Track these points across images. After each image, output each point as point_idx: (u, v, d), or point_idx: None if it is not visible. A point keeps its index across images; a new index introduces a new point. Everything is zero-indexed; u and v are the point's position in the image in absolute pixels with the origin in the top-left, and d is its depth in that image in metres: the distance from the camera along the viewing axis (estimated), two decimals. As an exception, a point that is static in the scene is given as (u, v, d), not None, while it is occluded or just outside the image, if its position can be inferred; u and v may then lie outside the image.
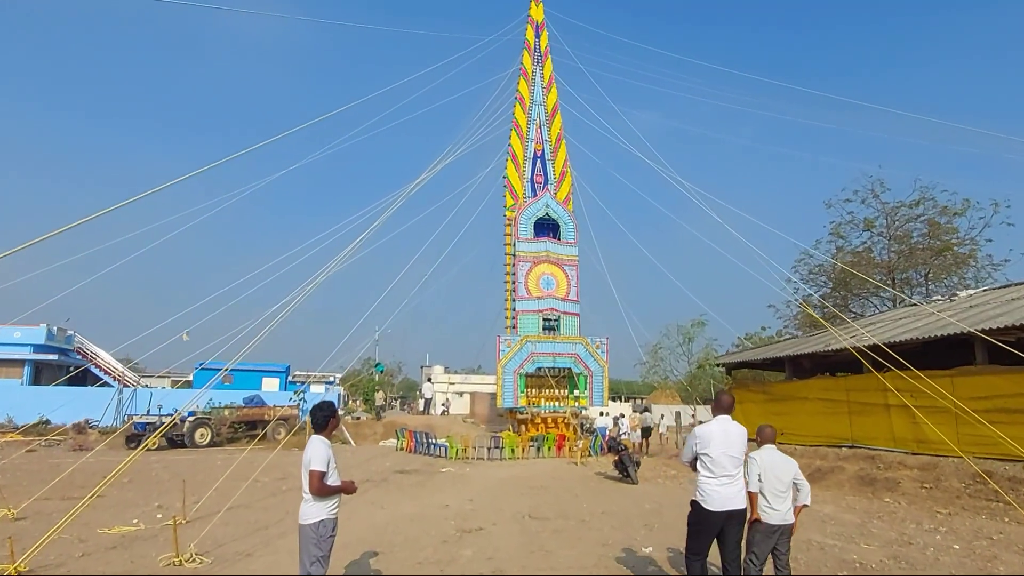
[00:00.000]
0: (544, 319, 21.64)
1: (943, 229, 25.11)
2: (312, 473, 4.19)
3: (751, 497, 4.76)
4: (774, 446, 5.10)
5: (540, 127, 24.07)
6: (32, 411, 23.01)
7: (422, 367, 45.91)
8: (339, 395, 33.08)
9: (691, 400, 32.22)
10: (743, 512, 4.68)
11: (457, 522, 8.71)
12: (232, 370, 23.41)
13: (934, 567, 6.63)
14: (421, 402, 33.57)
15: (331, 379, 35.54)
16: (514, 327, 21.80)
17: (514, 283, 22.03)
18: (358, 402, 37.58)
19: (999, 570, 6.55)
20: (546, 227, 22.84)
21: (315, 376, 33.98)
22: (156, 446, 19.19)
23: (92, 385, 27.45)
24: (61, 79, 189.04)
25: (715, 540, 4.74)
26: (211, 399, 22.80)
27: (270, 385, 31.40)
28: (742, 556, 4.79)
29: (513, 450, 18.07)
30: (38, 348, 29.22)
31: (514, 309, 21.96)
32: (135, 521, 8.51)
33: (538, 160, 23.78)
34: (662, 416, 25.50)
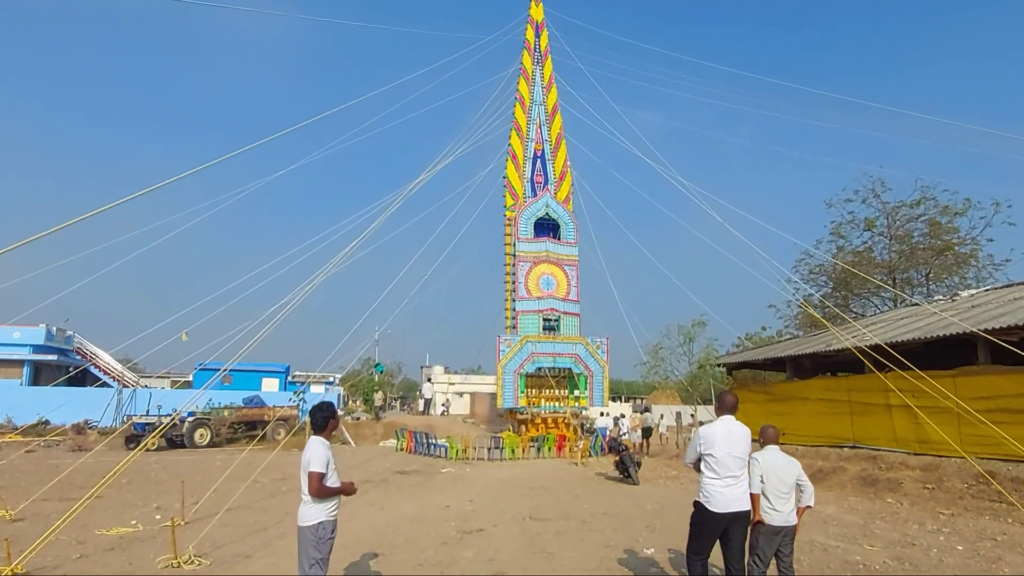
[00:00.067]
0: (544, 319, 21.60)
1: (944, 229, 25.07)
2: (311, 474, 4.14)
3: (753, 499, 4.72)
4: (777, 447, 5.05)
5: (540, 127, 24.03)
6: (31, 411, 22.94)
7: (422, 367, 45.89)
8: (339, 395, 33.03)
9: (691, 400, 32.18)
10: (747, 514, 4.64)
11: (458, 523, 8.66)
12: (232, 370, 23.43)
13: (938, 568, 6.59)
14: (421, 402, 33.53)
15: (331, 379, 35.50)
16: (514, 327, 21.75)
17: (514, 283, 21.98)
18: (358, 402, 37.54)
19: (1003, 571, 6.51)
20: (546, 227, 22.80)
21: (315, 376, 33.94)
22: (155, 447, 19.16)
23: (91, 385, 27.41)
24: (61, 79, 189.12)
25: (717, 541, 4.69)
26: (211, 399, 22.76)
27: (270, 385, 31.37)
28: (746, 558, 4.75)
29: (513, 451, 18.02)
30: (37, 348, 29.18)
31: (514, 309, 21.92)
32: (134, 522, 8.46)
33: (538, 160, 23.74)
34: (661, 416, 25.43)
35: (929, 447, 11.80)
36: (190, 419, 20.67)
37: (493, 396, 23.89)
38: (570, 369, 21.65)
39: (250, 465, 12.23)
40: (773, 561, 4.85)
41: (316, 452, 4.19)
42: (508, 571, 6.32)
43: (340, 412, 26.06)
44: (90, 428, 23.54)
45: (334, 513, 4.28)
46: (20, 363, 28.89)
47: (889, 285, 25.40)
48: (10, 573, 5.76)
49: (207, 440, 20.75)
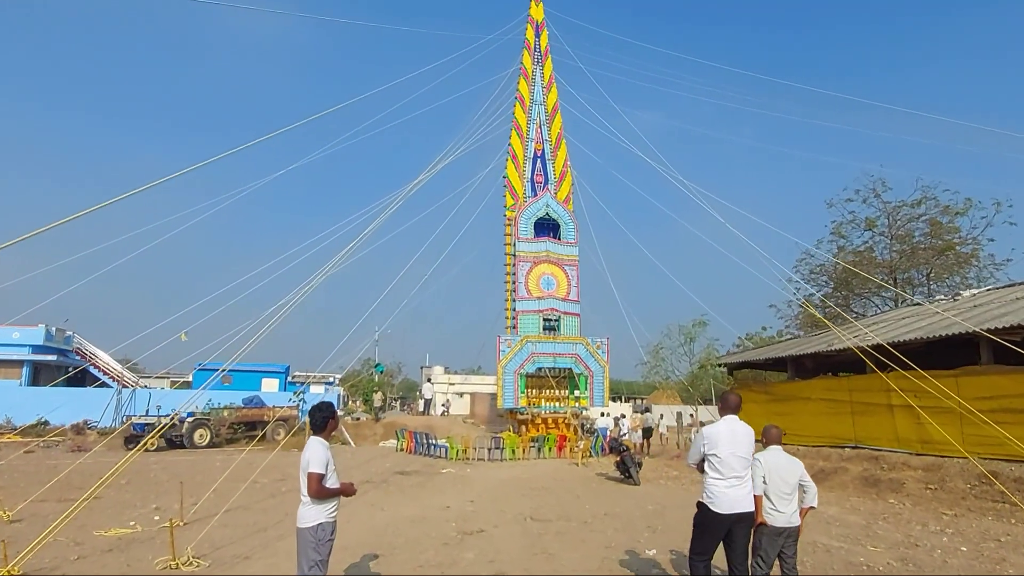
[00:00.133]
0: (544, 319, 21.56)
1: (945, 229, 25.04)
2: (310, 475, 4.09)
3: (756, 500, 4.67)
4: (780, 447, 5.00)
5: (540, 127, 24.00)
6: (31, 412, 22.91)
7: (422, 367, 45.84)
8: (339, 396, 32.97)
9: (691, 400, 32.14)
10: (751, 515, 4.59)
11: (458, 524, 8.61)
12: (231, 371, 23.38)
13: (942, 570, 6.54)
14: (421, 403, 33.48)
15: (331, 380, 35.45)
16: (514, 327, 21.71)
17: (514, 283, 21.95)
18: (358, 403, 37.49)
19: (1008, 572, 6.46)
20: (546, 227, 22.76)
21: (315, 377, 33.89)
22: (155, 447, 19.12)
23: (91, 386, 27.36)
24: (61, 79, 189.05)
25: (720, 542, 4.64)
26: (210, 400, 22.72)
27: (269, 386, 31.32)
28: (749, 560, 4.70)
29: (514, 451, 17.98)
30: (37, 349, 29.13)
31: (514, 309, 21.88)
32: (132, 523, 8.41)
33: (538, 160, 23.71)
34: (661, 416, 25.38)
35: (931, 447, 11.75)
36: (190, 419, 20.62)
37: (493, 396, 23.84)
38: (570, 369, 21.61)
39: (249, 466, 12.18)
40: (777, 562, 4.81)
41: (315, 453, 4.14)
42: (509, 572, 6.28)
43: (340, 412, 26.00)
44: (89, 428, 23.47)
45: (334, 514, 4.23)
46: (19, 363, 28.85)
47: (890, 285, 25.36)
48: (7, 574, 5.71)
49: (207, 440, 20.70)
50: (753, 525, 4.65)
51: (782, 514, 4.69)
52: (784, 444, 5.07)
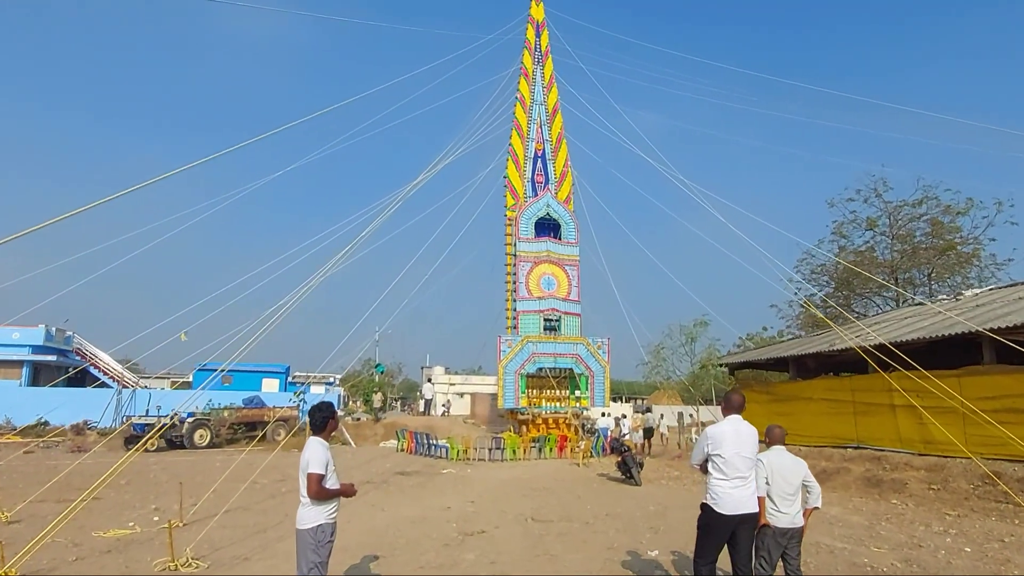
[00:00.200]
0: (545, 319, 21.52)
1: (946, 228, 25.00)
2: (310, 476, 4.04)
3: (759, 501, 4.62)
4: (783, 447, 4.96)
5: (541, 127, 23.97)
6: (30, 412, 22.89)
7: (422, 368, 45.81)
8: (339, 396, 32.93)
9: (692, 401, 32.08)
10: (755, 516, 4.54)
11: (459, 525, 8.57)
12: (232, 371, 23.35)
13: (946, 571, 6.50)
14: (421, 403, 33.44)
15: (331, 380, 35.41)
16: (515, 327, 21.68)
17: (515, 283, 21.92)
18: (358, 403, 37.45)
19: (1013, 573, 6.41)
20: (547, 227, 22.73)
21: (315, 377, 33.85)
22: (155, 447, 19.08)
23: (91, 386, 27.31)
24: (61, 79, 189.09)
25: (724, 544, 4.59)
26: (210, 400, 22.68)
27: (270, 386, 31.28)
28: (753, 562, 4.65)
29: (515, 451, 17.93)
30: (37, 349, 29.09)
31: (515, 309, 21.85)
32: (131, 524, 8.37)
33: (539, 160, 23.68)
34: (661, 416, 25.34)
35: (934, 447, 11.70)
36: (190, 420, 20.59)
37: (494, 396, 23.79)
38: (571, 369, 21.57)
39: (249, 466, 12.14)
40: (780, 563, 4.76)
41: (315, 453, 4.09)
42: (510, 573, 6.23)
43: (340, 413, 25.97)
44: (89, 429, 23.44)
45: (333, 516, 4.18)
46: (19, 363, 28.81)
47: (891, 285, 25.32)
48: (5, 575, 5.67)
49: (207, 441, 20.67)
50: (757, 526, 4.61)
51: (785, 515, 4.65)
52: (786, 444, 5.02)
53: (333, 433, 4.49)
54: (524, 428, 20.77)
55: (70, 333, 31.50)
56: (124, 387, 27.82)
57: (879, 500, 10.83)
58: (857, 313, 25.57)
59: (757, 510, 4.54)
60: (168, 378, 34.35)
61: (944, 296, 19.01)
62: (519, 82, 24.22)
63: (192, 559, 6.44)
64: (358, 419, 27.47)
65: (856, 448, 13.47)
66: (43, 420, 22.77)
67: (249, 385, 29.18)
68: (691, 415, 26.95)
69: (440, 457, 18.09)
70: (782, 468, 4.74)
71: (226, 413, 22.08)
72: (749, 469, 4.53)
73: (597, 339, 21.98)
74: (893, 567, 6.52)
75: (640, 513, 9.68)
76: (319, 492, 4.05)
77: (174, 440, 20.27)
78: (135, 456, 8.90)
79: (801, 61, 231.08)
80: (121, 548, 7.11)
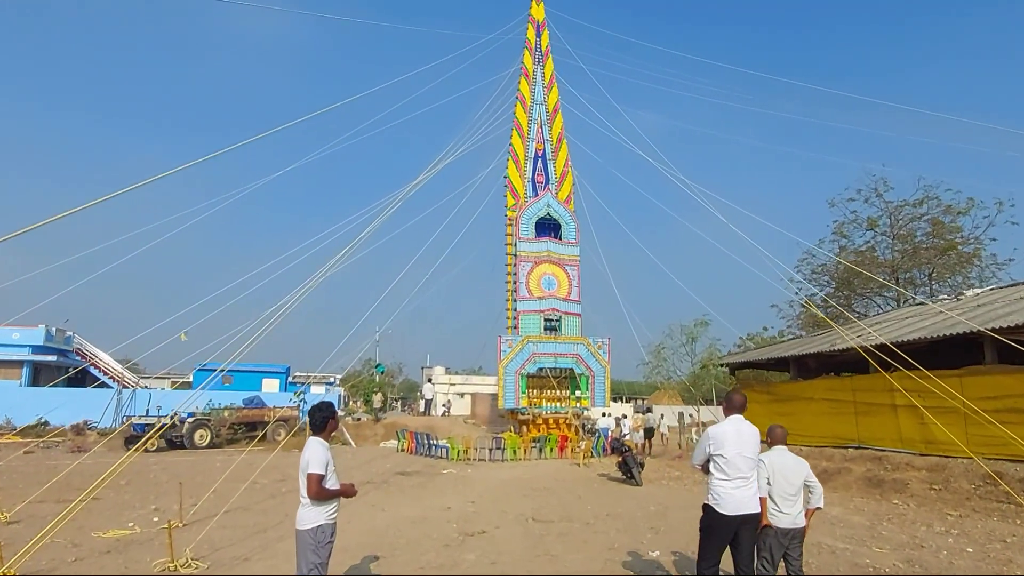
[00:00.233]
0: (546, 319, 21.50)
1: (947, 228, 24.98)
2: (310, 476, 4.02)
3: (761, 502, 4.59)
4: (785, 447, 4.94)
5: (541, 126, 23.94)
6: (30, 412, 22.87)
7: (423, 368, 45.75)
8: (339, 396, 32.91)
9: (692, 401, 32.06)
10: (757, 516, 4.51)
11: (459, 525, 8.55)
12: (232, 371, 23.35)
13: (949, 571, 6.48)
14: (422, 403, 33.41)
15: (331, 380, 35.39)
16: (515, 327, 21.65)
17: (515, 283, 21.89)
18: (358, 403, 37.44)
19: (1016, 574, 6.39)
20: (547, 227, 22.70)
21: (315, 377, 33.83)
22: (155, 447, 19.07)
23: (91, 386, 27.30)
24: (62, 79, 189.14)
25: (727, 545, 4.56)
26: (211, 400, 22.66)
27: (270, 386, 31.28)
28: (755, 562, 4.62)
29: (515, 451, 17.91)
30: (37, 349, 29.08)
31: (515, 309, 21.82)
32: (131, 524, 8.35)
33: (539, 160, 23.65)
34: (662, 416, 25.31)
35: (935, 447, 11.68)
36: (190, 420, 20.57)
37: (494, 397, 23.77)
38: (571, 369, 21.54)
39: (250, 466, 12.12)
40: (782, 563, 4.74)
41: (315, 453, 4.07)
42: (511, 574, 6.21)
43: (340, 413, 25.96)
44: (89, 429, 23.43)
45: (333, 516, 4.16)
46: (19, 364, 28.80)
47: (892, 284, 25.30)
48: (4, 576, 5.65)
49: (207, 441, 20.65)
50: (759, 527, 4.58)
51: (787, 515, 4.63)
52: (788, 444, 5.00)
53: (333, 433, 4.47)
54: (524, 428, 20.75)
55: (70, 333, 31.49)
56: (124, 387, 27.81)
57: (880, 500, 10.81)
58: (858, 313, 25.54)
59: (759, 510, 4.52)
60: (168, 378, 34.33)
61: (945, 296, 18.98)
62: (519, 82, 24.20)
63: (192, 559, 6.42)
64: (358, 419, 27.46)
65: (857, 448, 13.45)
66: (43, 420, 22.76)
67: (249, 385, 29.17)
68: (691, 415, 26.92)
69: (440, 457, 18.07)
70: (784, 468, 4.71)
71: (226, 413, 22.06)
72: (751, 469, 4.50)
73: (598, 339, 21.95)
74: (895, 568, 6.50)
75: (641, 513, 9.66)
76: (319, 492, 4.03)
77: (174, 440, 20.26)
78: (135, 456, 8.88)
79: (801, 61, 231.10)
80: (121, 548, 7.09)
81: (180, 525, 8.03)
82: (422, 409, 32.48)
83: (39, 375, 29.50)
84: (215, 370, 11.13)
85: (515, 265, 21.94)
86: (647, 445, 20.65)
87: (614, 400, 31.04)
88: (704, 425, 24.05)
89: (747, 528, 4.47)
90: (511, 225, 22.61)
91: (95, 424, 23.98)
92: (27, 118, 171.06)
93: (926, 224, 25.60)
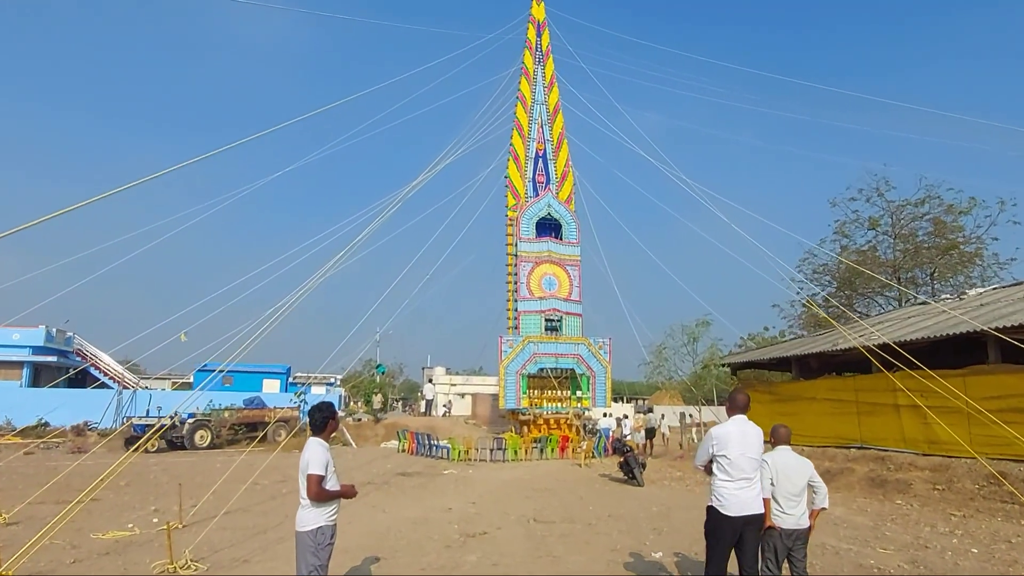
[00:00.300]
0: (546, 319, 21.46)
1: (949, 227, 24.90)
2: (310, 477, 3.98)
3: (764, 503, 4.54)
4: (789, 447, 4.89)
5: (542, 126, 23.90)
6: (31, 413, 22.83)
7: (423, 368, 45.68)
8: (340, 396, 32.86)
9: (694, 401, 31.99)
10: (761, 517, 4.46)
11: (461, 526, 8.50)
12: (233, 372, 23.31)
13: (954, 571, 6.42)
14: (423, 403, 33.35)
15: (332, 380, 35.34)
16: (516, 328, 21.61)
17: (516, 283, 21.85)
18: (359, 403, 37.39)
19: (1022, 574, 6.33)
20: (548, 227, 22.66)
21: (316, 377, 33.79)
22: (156, 448, 19.04)
23: (91, 387, 27.28)
24: (62, 79, 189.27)
25: (733, 548, 4.50)
26: (211, 401, 22.63)
27: (271, 387, 31.25)
28: (759, 563, 4.57)
29: (516, 452, 17.86)
30: (37, 350, 29.06)
31: (516, 309, 21.78)
32: (130, 526, 8.31)
33: (540, 160, 23.61)
34: (662, 416, 25.27)
35: (938, 447, 11.63)
36: (190, 420, 20.54)
37: (495, 397, 23.73)
38: (572, 370, 21.50)
39: (250, 467, 12.09)
40: (787, 564, 4.69)
41: (315, 454, 4.03)
42: (513, 575, 6.16)
43: (341, 413, 25.92)
44: (90, 430, 23.40)
45: (333, 518, 4.12)
46: (20, 364, 28.77)
47: (894, 284, 25.24)
48: (2, 578, 5.61)
49: (207, 442, 20.61)
50: (762, 528, 4.53)
51: (790, 516, 4.58)
52: (790, 445, 4.95)
53: (333, 434, 4.43)
54: (525, 429, 20.70)
55: (70, 334, 31.48)
56: (124, 388, 27.78)
57: (883, 501, 10.76)
58: (860, 313, 25.48)
59: (763, 511, 4.47)
60: (169, 379, 34.31)
61: (947, 295, 18.93)
62: (520, 82, 24.16)
63: (191, 561, 6.37)
64: (359, 419, 27.42)
65: (860, 448, 13.39)
66: (43, 421, 22.72)
67: (250, 386, 29.14)
68: (691, 416, 26.84)
69: (441, 458, 18.02)
70: (787, 468, 4.67)
71: (227, 414, 22.02)
72: (754, 470, 4.45)
73: (598, 339, 21.91)
74: (900, 568, 6.45)
75: (643, 514, 9.61)
76: (319, 493, 3.98)
77: (174, 441, 20.22)
78: (135, 457, 8.84)
79: (801, 61, 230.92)
80: (120, 550, 7.05)
81: (180, 526, 7.99)
82: (423, 410, 32.41)
83: (39, 376, 29.48)
84: (215, 371, 11.10)
85: (516, 265, 21.90)
86: (648, 445, 20.61)
87: (615, 400, 30.97)
88: (705, 425, 23.99)
89: (751, 529, 4.42)
90: (512, 225, 22.57)
91: (95, 425, 23.95)
92: (27, 118, 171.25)
93: (928, 223, 25.53)
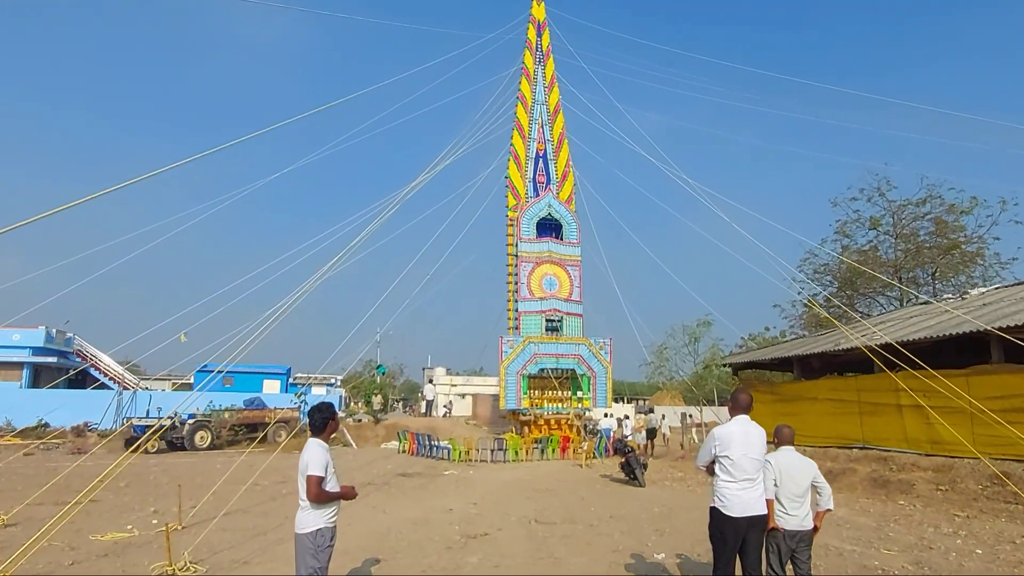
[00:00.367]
0: (547, 320, 21.41)
1: (950, 227, 24.86)
2: (309, 478, 3.93)
3: (768, 504, 4.49)
4: (792, 447, 4.85)
5: (542, 127, 23.86)
6: (31, 414, 22.81)
7: (424, 369, 45.63)
8: (340, 397, 32.81)
9: (695, 401, 31.93)
10: (764, 518, 4.42)
11: (462, 527, 8.45)
12: (233, 372, 23.26)
13: (959, 572, 6.37)
14: (423, 404, 33.30)
15: (332, 381, 35.30)
16: (517, 328, 21.56)
17: (516, 284, 21.80)
18: (359, 404, 37.34)
19: (1027, 576, 6.29)
20: (548, 227, 22.62)
21: (316, 378, 33.74)
22: (155, 449, 19.00)
23: (91, 387, 27.25)
24: (62, 79, 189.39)
25: (738, 549, 4.45)
26: (211, 401, 22.59)
27: (271, 387, 31.23)
28: (763, 565, 4.52)
29: (517, 452, 17.82)
30: (37, 350, 29.04)
31: (517, 310, 21.73)
32: (129, 527, 8.27)
33: (540, 160, 23.57)
34: (663, 417, 25.22)
35: (941, 448, 11.58)
36: (190, 421, 20.49)
37: (496, 397, 23.68)
38: (573, 370, 21.45)
39: (250, 468, 12.05)
40: (790, 565, 4.64)
41: (314, 455, 3.99)
42: (514, 577, 6.12)
43: (341, 414, 25.88)
44: (89, 431, 23.36)
45: (333, 519, 4.08)
46: (20, 365, 28.75)
47: (896, 283, 25.19)
48: (0, 580, 5.57)
49: (207, 442, 20.57)
50: (766, 529, 4.49)
51: (794, 517, 4.53)
52: (794, 445, 4.91)
53: (333, 435, 4.38)
54: (526, 429, 20.65)
55: (70, 334, 31.45)
56: (124, 388, 27.75)
57: (886, 501, 10.71)
58: (861, 313, 25.42)
59: (766, 512, 4.42)
60: (169, 379, 34.28)
61: (949, 295, 18.87)
62: (520, 82, 24.12)
63: (190, 563, 6.33)
64: (359, 420, 27.38)
65: (862, 448, 13.34)
66: (43, 422, 22.70)
67: (250, 386, 29.11)
68: (691, 416, 26.80)
69: (442, 458, 17.98)
70: (791, 469, 4.62)
71: (227, 414, 21.98)
72: (757, 471, 4.41)
73: (599, 339, 21.86)
74: (904, 569, 6.40)
75: (645, 515, 9.56)
76: (319, 495, 3.94)
77: (174, 441, 20.18)
78: (135, 458, 8.80)
79: (801, 61, 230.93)
80: (118, 551, 7.01)
81: (179, 528, 7.95)
82: (423, 410, 32.35)
83: (39, 376, 29.45)
84: (215, 371, 11.06)
85: (516, 266, 21.86)
86: (649, 446, 20.56)
87: (616, 401, 30.95)
88: (706, 426, 23.93)
89: (754, 530, 4.38)
90: (512, 225, 22.52)
91: (95, 425, 23.91)
92: (27, 118, 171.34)
93: (929, 223, 25.49)
